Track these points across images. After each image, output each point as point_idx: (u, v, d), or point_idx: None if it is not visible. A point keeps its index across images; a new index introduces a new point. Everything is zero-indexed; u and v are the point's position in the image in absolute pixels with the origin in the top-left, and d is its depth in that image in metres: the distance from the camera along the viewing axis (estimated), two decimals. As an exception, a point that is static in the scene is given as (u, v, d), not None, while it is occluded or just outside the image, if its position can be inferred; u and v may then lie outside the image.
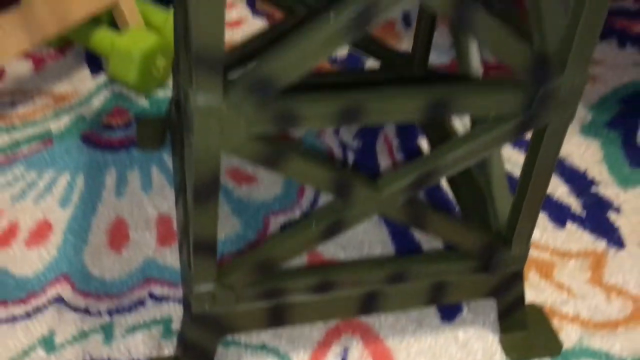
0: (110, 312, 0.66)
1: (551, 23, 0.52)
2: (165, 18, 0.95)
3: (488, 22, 0.47)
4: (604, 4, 0.48)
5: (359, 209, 0.54)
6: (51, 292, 0.67)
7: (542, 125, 0.54)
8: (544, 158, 0.55)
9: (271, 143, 0.49)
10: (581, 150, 0.93)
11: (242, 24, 1.07)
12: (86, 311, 0.66)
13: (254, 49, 0.76)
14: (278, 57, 0.46)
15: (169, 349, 0.63)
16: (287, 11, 0.74)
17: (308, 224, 0.55)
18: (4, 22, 0.79)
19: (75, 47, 0.97)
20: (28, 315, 0.65)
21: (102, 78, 0.93)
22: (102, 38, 0.90)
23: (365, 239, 0.77)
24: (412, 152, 0.90)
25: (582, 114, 0.99)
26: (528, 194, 0.58)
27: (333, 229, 0.55)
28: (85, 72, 0.94)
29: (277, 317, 0.60)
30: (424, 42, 0.80)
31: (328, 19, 0.45)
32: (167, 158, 0.84)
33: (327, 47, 0.45)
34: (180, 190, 0.70)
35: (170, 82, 0.94)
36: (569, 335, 0.70)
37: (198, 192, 0.51)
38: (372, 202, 0.54)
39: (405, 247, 0.77)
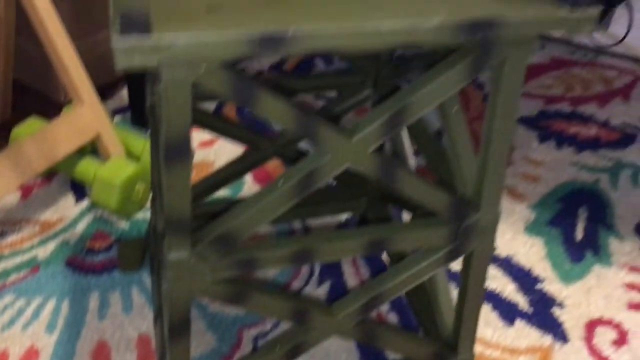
0: None
1: (467, 170, 0.62)
2: (143, 144, 1.05)
3: (409, 179, 0.57)
4: (504, 156, 0.58)
5: (317, 333, 0.61)
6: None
7: (468, 253, 0.63)
8: (474, 280, 0.64)
9: (234, 284, 0.57)
10: (526, 248, 1.02)
11: (214, 144, 1.17)
12: None
13: (220, 180, 0.85)
14: (235, 216, 0.54)
15: None
16: (252, 146, 0.84)
17: (273, 347, 0.62)
18: (-5, 163, 0.88)
19: (60, 174, 1.05)
20: None
21: (85, 203, 1.01)
22: (85, 168, 0.99)
23: (331, 348, 0.83)
24: (377, 267, 0.98)
25: (526, 213, 1.09)
26: (465, 310, 0.66)
27: (295, 352, 0.62)
28: (70, 199, 1.02)
29: None
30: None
31: (277, 185, 0.54)
32: (147, 278, 0.91)
33: (276, 208, 0.54)
34: (158, 310, 0.78)
35: (149, 204, 1.02)
36: None
37: (173, 329, 0.58)
38: (328, 326, 0.61)
39: (371, 355, 0.84)
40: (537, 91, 1.40)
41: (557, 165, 1.19)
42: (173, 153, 0.49)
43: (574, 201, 1.12)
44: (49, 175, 1.05)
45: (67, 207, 1.00)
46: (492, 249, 0.64)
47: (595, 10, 0.48)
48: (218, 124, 0.79)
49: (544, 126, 1.29)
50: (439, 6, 0.47)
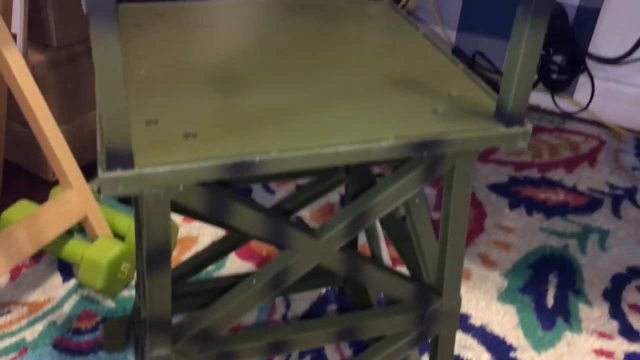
0: None
1: (429, 258, 0.67)
2: (129, 224, 1.09)
3: (375, 272, 0.61)
4: (461, 247, 0.63)
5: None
6: None
7: (434, 336, 0.67)
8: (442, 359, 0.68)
9: (213, 376, 0.61)
10: (499, 316, 1.07)
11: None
12: None
13: (204, 260, 0.89)
14: (213, 313, 0.59)
15: None
16: (232, 230, 0.89)
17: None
18: (-14, 249, 0.92)
19: (48, 254, 1.09)
20: None
21: (72, 282, 1.05)
22: (73, 249, 1.03)
23: None
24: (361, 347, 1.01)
25: (499, 281, 1.13)
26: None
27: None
28: (57, 279, 1.05)
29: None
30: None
31: (251, 283, 0.59)
32: (132, 358, 0.93)
33: (251, 304, 0.58)
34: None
35: (134, 282, 1.06)
36: None
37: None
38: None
39: None
40: (507, 158, 1.47)
41: (528, 232, 1.25)
42: (154, 260, 0.54)
43: (544, 267, 1.17)
44: (37, 255, 1.08)
45: (55, 287, 1.04)
46: (456, 330, 0.68)
47: (528, 127, 0.54)
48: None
49: (514, 192, 1.35)
50: (390, 127, 0.53)
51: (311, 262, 0.59)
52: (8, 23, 1.02)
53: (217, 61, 0.63)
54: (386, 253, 0.81)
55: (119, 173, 0.46)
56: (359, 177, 0.86)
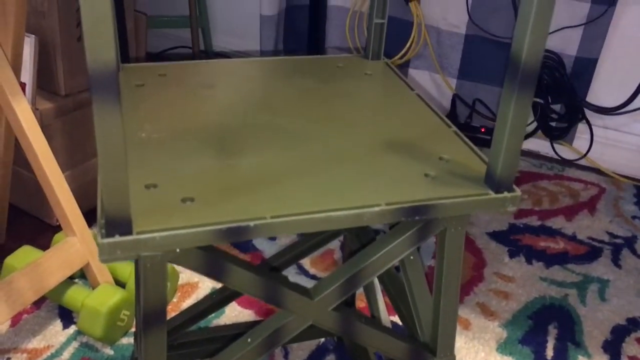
0: None
1: (423, 317, 0.67)
2: (130, 270, 1.10)
3: (369, 332, 0.62)
4: (454, 307, 0.64)
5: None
6: None
7: (429, 395, 0.67)
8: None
9: None
10: (498, 368, 1.06)
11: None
12: None
13: (204, 309, 0.90)
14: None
15: None
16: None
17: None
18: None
19: (49, 300, 1.10)
20: None
21: (73, 329, 1.05)
22: (73, 297, 1.04)
23: None
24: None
25: (498, 331, 1.13)
26: None
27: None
28: (57, 325, 1.06)
29: None
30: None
31: (246, 341, 0.59)
32: (128, 408, 0.93)
33: (246, 364, 0.59)
34: None
35: (134, 329, 1.06)
36: None
37: None
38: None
39: None
40: (508, 205, 1.48)
41: (528, 281, 1.25)
42: (150, 320, 0.55)
43: (544, 318, 1.16)
44: (38, 300, 1.09)
45: (55, 334, 1.04)
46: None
47: (517, 193, 0.55)
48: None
49: (514, 240, 1.36)
50: (382, 191, 0.55)
51: (306, 321, 0.60)
52: (18, 72, 1.05)
53: (215, 123, 0.65)
54: (383, 308, 0.82)
55: (117, 239, 0.48)
56: (357, 230, 0.87)
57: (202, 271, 0.54)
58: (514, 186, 0.56)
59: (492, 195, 0.55)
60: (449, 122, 0.68)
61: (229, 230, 0.50)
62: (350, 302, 1.02)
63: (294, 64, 0.83)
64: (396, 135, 0.65)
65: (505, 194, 0.55)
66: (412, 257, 0.70)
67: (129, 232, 0.48)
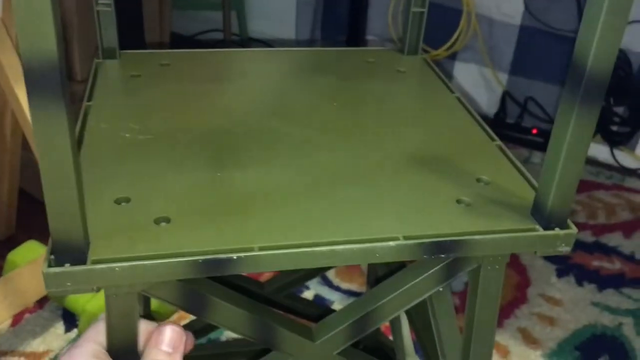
0: None
1: (450, 355, 0.57)
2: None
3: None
4: (488, 353, 0.53)
5: None
6: None
7: None
8: None
9: None
10: (538, 405, 0.94)
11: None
12: None
13: (200, 328, 0.82)
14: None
15: None
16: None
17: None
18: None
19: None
20: None
21: (74, 333, 0.99)
22: (75, 299, 0.97)
23: None
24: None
25: (540, 362, 1.01)
26: None
27: None
28: (59, 328, 1.00)
29: None
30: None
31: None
32: None
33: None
34: None
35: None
36: None
37: None
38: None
39: None
40: (558, 216, 1.34)
41: (577, 305, 1.12)
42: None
43: (593, 349, 1.03)
44: (42, 300, 1.03)
45: (56, 337, 0.98)
46: None
47: (572, 230, 0.44)
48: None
49: (563, 258, 1.23)
50: (401, 221, 0.44)
51: (305, 367, 0.50)
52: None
53: (213, 126, 0.55)
54: (409, 342, 0.71)
55: (66, 268, 0.39)
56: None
57: (180, 304, 0.45)
58: (569, 221, 0.44)
59: (540, 231, 0.44)
60: (492, 133, 0.56)
61: (205, 263, 0.40)
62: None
63: (318, 57, 0.72)
64: (426, 148, 0.54)
65: (557, 230, 0.44)
66: (440, 289, 0.59)
67: (82, 261, 0.39)
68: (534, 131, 1.55)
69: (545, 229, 0.44)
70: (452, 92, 0.64)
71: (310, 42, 1.56)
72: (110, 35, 0.66)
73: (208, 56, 0.69)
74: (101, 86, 0.61)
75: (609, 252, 1.25)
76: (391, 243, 0.42)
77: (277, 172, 0.49)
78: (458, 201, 0.47)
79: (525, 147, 1.55)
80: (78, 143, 0.51)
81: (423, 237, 0.43)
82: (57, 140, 0.35)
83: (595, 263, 1.22)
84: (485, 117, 1.35)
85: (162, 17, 1.19)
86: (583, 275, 1.19)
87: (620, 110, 1.48)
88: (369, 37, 1.67)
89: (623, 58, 1.41)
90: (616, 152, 1.51)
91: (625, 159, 1.51)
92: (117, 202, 0.45)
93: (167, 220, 0.43)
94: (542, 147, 1.53)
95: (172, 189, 0.47)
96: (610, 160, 1.52)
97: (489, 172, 0.50)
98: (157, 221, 0.43)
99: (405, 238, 0.43)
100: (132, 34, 1.12)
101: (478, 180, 0.50)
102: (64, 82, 0.34)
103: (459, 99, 0.62)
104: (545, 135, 1.55)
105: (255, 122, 0.56)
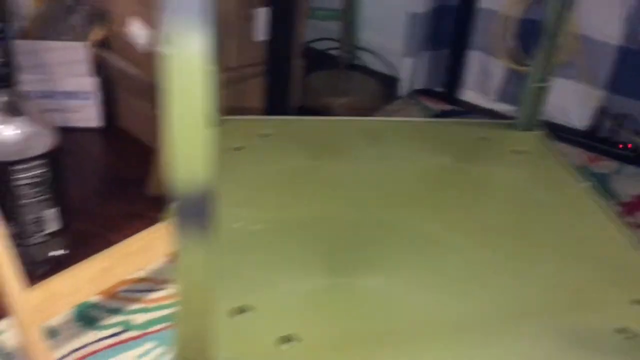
0: None
1: None
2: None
3: None
4: None
5: None
6: None
7: None
8: None
9: None
10: None
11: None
12: None
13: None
14: None
15: None
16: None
17: None
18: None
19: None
20: None
21: None
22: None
23: None
24: None
25: None
26: None
27: None
28: None
29: None
30: None
31: None
32: None
33: None
34: None
35: None
36: None
37: None
38: None
39: None
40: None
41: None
42: None
43: None
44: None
45: None
46: None
47: None
48: None
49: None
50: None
51: None
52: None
53: (325, 213, 0.51)
54: None
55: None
56: None
57: None
58: None
59: None
60: (634, 236, 0.50)
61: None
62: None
63: (430, 128, 0.67)
64: (550, 272, 0.47)
65: None
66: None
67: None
68: (629, 146, 1.52)
69: None
70: (579, 180, 0.58)
71: (416, 55, 1.56)
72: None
73: (308, 126, 0.65)
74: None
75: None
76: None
77: (406, 281, 0.44)
78: (618, 331, 0.41)
79: (616, 160, 1.52)
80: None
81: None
82: (194, 269, 0.31)
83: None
84: (578, 131, 1.28)
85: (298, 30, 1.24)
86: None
87: None
88: (474, 53, 1.66)
89: None
90: None
91: None
92: (235, 312, 0.41)
93: (290, 339, 0.39)
94: (633, 161, 1.51)
95: (293, 299, 0.42)
96: None
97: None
98: (281, 341, 0.39)
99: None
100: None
101: (634, 302, 0.43)
102: (211, 210, 0.30)
103: (588, 190, 0.57)
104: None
105: (368, 208, 0.52)
